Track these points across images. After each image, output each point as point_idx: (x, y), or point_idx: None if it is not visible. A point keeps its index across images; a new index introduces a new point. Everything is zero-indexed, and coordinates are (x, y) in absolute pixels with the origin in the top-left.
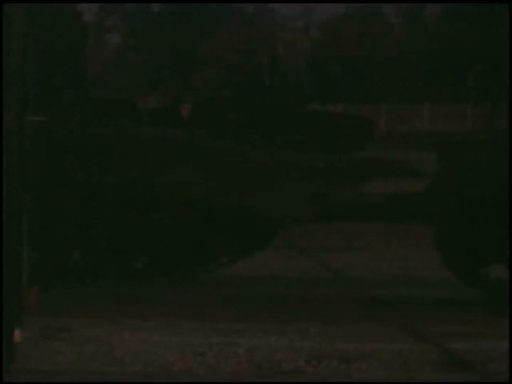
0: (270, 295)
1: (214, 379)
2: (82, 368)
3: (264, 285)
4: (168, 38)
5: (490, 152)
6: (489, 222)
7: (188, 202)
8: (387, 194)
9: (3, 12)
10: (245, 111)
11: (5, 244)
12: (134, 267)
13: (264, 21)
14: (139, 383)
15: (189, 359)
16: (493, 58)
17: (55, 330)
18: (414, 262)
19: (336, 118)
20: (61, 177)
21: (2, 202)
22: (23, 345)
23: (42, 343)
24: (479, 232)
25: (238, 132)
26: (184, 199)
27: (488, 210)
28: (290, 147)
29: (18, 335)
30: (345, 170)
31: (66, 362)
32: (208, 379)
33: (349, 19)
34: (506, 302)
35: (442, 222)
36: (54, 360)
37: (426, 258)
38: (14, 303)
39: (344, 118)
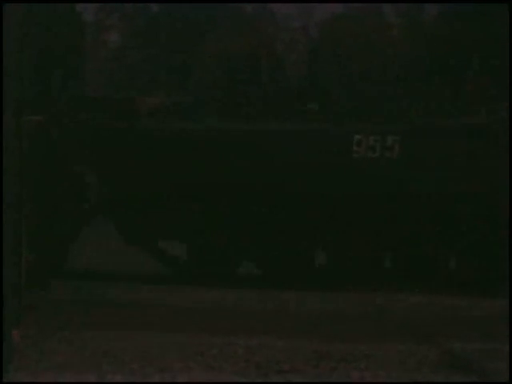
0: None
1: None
2: (80, 368)
3: None
4: (167, 37)
5: None
6: None
7: None
8: None
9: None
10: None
11: (4, 244)
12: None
13: (263, 21)
14: (138, 383)
15: (188, 359)
16: (492, 58)
17: (54, 331)
18: None
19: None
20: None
21: (2, 202)
22: (22, 345)
23: (41, 343)
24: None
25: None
26: None
27: None
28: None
29: (16, 335)
30: None
31: (65, 362)
32: (207, 379)
33: (348, 19)
34: None
35: None
36: (53, 360)
37: None
38: (13, 304)
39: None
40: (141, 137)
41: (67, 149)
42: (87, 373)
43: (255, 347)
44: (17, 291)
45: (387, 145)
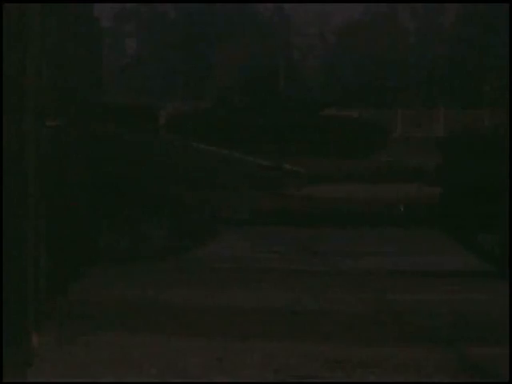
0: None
1: None
2: (98, 373)
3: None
4: (184, 43)
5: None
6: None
7: None
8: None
9: (19, 13)
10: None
11: (22, 248)
12: None
13: (279, 26)
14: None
15: (206, 364)
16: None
17: (73, 335)
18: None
19: (352, 124)
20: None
21: (19, 207)
22: (41, 349)
23: (60, 348)
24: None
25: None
26: None
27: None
28: (304, 151)
29: (35, 340)
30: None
31: (83, 366)
32: None
33: (364, 24)
34: None
35: None
36: (71, 365)
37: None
38: (32, 307)
39: (360, 123)
40: None
41: None
42: (104, 377)
43: (273, 353)
44: (35, 295)
45: None
